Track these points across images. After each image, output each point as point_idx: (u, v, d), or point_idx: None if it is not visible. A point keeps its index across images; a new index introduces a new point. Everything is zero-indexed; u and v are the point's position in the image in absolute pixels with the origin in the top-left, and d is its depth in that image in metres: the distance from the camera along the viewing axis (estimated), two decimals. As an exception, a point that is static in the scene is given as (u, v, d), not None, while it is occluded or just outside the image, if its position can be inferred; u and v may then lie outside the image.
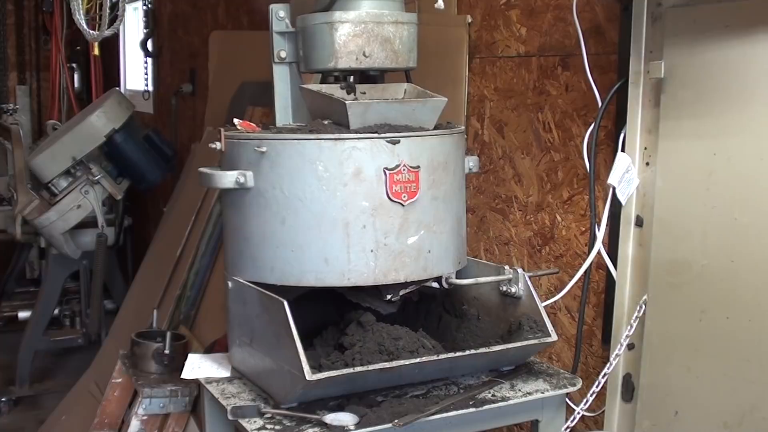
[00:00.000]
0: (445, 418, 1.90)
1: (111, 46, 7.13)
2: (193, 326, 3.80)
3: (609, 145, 2.30)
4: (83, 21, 2.82)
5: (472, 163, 2.24)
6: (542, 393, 2.04)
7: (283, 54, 2.23)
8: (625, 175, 2.15)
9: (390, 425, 1.82)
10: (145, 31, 6.13)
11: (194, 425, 3.00)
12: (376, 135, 1.95)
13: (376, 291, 2.07)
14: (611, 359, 2.18)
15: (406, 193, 1.97)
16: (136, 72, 6.58)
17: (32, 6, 8.03)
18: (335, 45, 2.06)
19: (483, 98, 2.80)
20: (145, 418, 3.01)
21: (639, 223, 2.17)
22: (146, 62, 6.21)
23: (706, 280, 1.95)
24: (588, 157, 2.31)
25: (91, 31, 2.82)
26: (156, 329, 3.38)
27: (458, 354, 1.98)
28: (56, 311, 5.34)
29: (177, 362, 2.95)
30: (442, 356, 1.97)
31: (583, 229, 2.42)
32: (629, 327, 2.15)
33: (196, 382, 2.45)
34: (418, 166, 1.99)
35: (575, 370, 2.37)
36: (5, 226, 5.18)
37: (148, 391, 3.00)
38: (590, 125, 2.32)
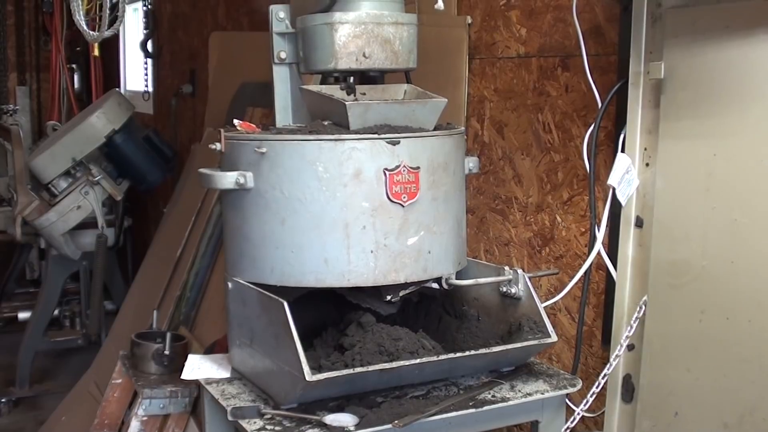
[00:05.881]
0: (445, 418, 1.91)
1: (111, 47, 7.13)
2: (193, 327, 3.80)
3: (609, 145, 2.30)
4: (83, 22, 2.82)
5: (472, 163, 2.24)
6: (542, 394, 2.04)
7: (283, 55, 2.23)
8: (625, 176, 2.15)
9: (390, 426, 1.82)
10: (145, 31, 6.13)
11: (194, 426, 3.00)
12: (376, 136, 1.95)
13: (376, 292, 2.08)
14: (611, 360, 2.18)
15: (406, 193, 1.97)
16: (136, 73, 6.58)
17: (32, 6, 8.03)
18: (335, 46, 2.06)
19: (483, 99, 2.80)
20: (145, 419, 3.01)
21: (639, 223, 2.17)
22: (146, 63, 6.21)
23: (706, 280, 1.95)
24: (588, 158, 2.31)
25: (91, 32, 2.82)
26: (156, 330, 3.37)
27: (458, 355, 1.98)
28: (56, 312, 5.34)
29: (177, 363, 2.95)
30: (442, 357, 1.97)
31: (583, 229, 2.42)
32: (629, 327, 2.15)
33: (196, 383, 2.45)
34: (418, 167, 1.99)
35: (575, 371, 2.37)
36: (5, 226, 5.19)
37: (148, 391, 2.99)
38: (590, 126, 2.32)
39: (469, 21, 2.81)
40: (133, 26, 6.94)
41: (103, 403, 3.28)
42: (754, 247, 1.84)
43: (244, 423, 1.88)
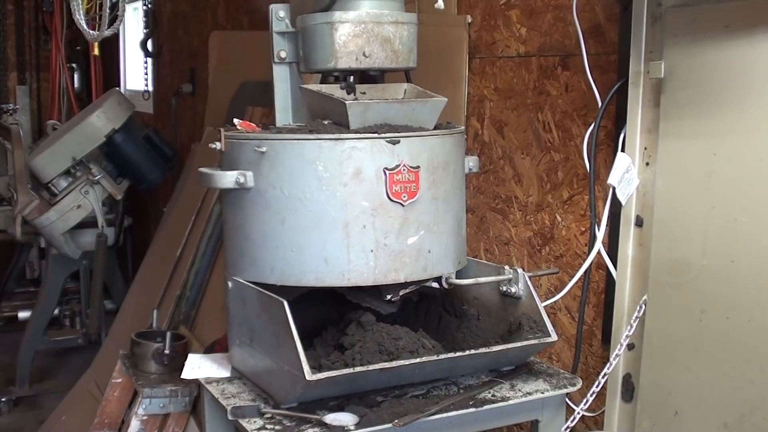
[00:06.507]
0: (445, 418, 1.90)
1: (111, 46, 7.13)
2: (193, 326, 3.80)
3: (609, 145, 2.30)
4: (83, 21, 2.82)
5: (472, 163, 2.24)
6: (542, 393, 2.04)
7: (283, 54, 2.23)
8: (625, 175, 2.15)
9: (390, 425, 1.82)
10: (145, 31, 6.13)
11: (194, 425, 3.00)
12: (376, 135, 1.95)
13: (376, 291, 2.07)
14: (611, 359, 2.18)
15: (406, 193, 1.97)
16: (136, 72, 6.58)
17: (32, 6, 8.03)
18: (335, 45, 2.06)
19: (483, 98, 2.80)
20: (145, 418, 3.01)
21: (639, 223, 2.17)
22: (146, 62, 6.21)
23: (706, 280, 1.95)
24: (588, 157, 2.31)
25: (91, 31, 2.83)
26: (156, 329, 3.38)
27: (458, 354, 1.98)
28: (56, 311, 5.34)
29: (177, 362, 2.95)
30: (442, 356, 1.97)
31: (583, 229, 2.42)
32: (629, 327, 2.15)
33: (196, 382, 2.45)
34: (418, 166, 1.99)
35: (575, 370, 2.37)
36: (5, 226, 5.19)
37: (148, 391, 3.00)
38: (590, 125, 2.32)
39: (469, 20, 2.81)
40: (133, 25, 6.94)
41: (103, 403, 3.28)
42: (754, 246, 1.84)
43: (244, 422, 1.88)
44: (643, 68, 2.11)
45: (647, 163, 2.14)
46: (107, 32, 2.71)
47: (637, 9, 2.11)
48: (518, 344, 2.05)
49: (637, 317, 2.14)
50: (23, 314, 5.56)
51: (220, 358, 2.23)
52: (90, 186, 4.70)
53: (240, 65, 4.44)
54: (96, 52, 7.00)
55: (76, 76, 7.79)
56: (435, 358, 1.96)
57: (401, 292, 2.08)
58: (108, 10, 2.70)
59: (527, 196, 2.63)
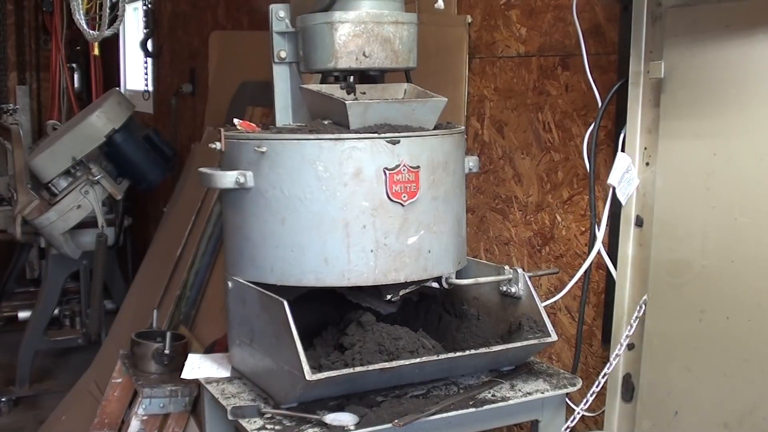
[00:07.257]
0: (445, 418, 1.90)
1: (111, 46, 7.13)
2: (193, 326, 3.80)
3: (609, 145, 2.30)
4: (83, 21, 2.82)
5: (472, 163, 2.24)
6: (542, 393, 2.04)
7: (283, 54, 2.23)
8: (625, 175, 2.15)
9: (390, 425, 1.82)
10: (145, 31, 6.13)
11: (194, 425, 3.00)
12: (376, 135, 1.95)
13: (376, 291, 2.08)
14: (611, 359, 2.18)
15: (406, 193, 1.97)
16: (136, 72, 6.58)
17: (32, 6, 8.03)
18: (335, 45, 2.06)
19: (483, 98, 2.80)
20: (145, 418, 3.01)
21: (639, 223, 2.17)
22: (146, 62, 6.21)
23: (706, 280, 1.95)
24: (588, 157, 2.31)
25: (91, 31, 2.82)
26: (156, 329, 3.38)
27: (458, 354, 1.98)
28: (56, 311, 5.34)
29: (177, 362, 2.95)
30: (442, 356, 1.97)
31: (583, 229, 2.42)
32: (629, 327, 2.15)
33: (196, 382, 2.46)
34: (418, 166, 1.99)
35: (575, 370, 2.37)
36: (5, 226, 5.19)
37: (148, 391, 3.00)
38: (590, 125, 2.32)
39: (469, 20, 2.81)
40: (133, 25, 6.94)
41: (103, 403, 3.28)
42: (754, 246, 1.84)
43: (244, 422, 1.88)
44: (643, 68, 2.11)
45: (647, 163, 2.14)
46: (107, 32, 2.71)
47: (637, 9, 2.11)
48: (518, 344, 2.05)
49: (637, 317, 2.14)
50: (23, 314, 5.57)
51: (220, 358, 2.23)
52: (90, 186, 4.70)
53: (240, 65, 4.44)
54: (96, 52, 7.01)
55: (76, 76, 7.79)
56: (435, 358, 1.96)
57: (401, 292, 2.08)
58: (108, 10, 2.70)
59: (527, 196, 2.63)
